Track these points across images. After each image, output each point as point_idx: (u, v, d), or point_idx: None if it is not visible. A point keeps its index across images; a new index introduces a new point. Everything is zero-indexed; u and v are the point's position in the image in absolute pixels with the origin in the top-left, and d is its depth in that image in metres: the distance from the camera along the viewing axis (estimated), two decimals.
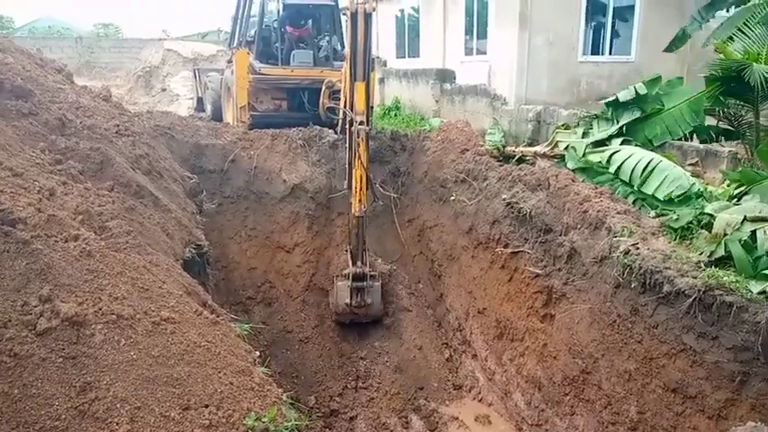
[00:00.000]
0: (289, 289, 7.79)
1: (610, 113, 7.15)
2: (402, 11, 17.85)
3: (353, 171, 6.75)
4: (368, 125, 6.63)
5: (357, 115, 6.53)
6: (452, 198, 7.53)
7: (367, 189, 6.88)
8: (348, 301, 7.19)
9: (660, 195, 5.43)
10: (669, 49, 10.99)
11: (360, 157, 6.57)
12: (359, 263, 7.16)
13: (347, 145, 7.06)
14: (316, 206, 8.11)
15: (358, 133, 6.50)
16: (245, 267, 7.71)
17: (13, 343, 2.24)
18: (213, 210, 7.14)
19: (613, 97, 7.22)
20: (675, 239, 4.68)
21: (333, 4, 10.75)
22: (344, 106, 7.08)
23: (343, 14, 6.50)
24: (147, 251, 3.51)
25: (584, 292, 5.17)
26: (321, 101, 9.16)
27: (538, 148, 8.27)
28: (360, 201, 6.81)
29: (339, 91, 7.91)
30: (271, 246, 7.91)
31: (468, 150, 7.97)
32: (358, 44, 6.38)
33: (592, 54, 13.82)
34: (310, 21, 11.10)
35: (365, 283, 7.17)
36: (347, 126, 6.91)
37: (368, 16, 6.35)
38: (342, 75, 7.42)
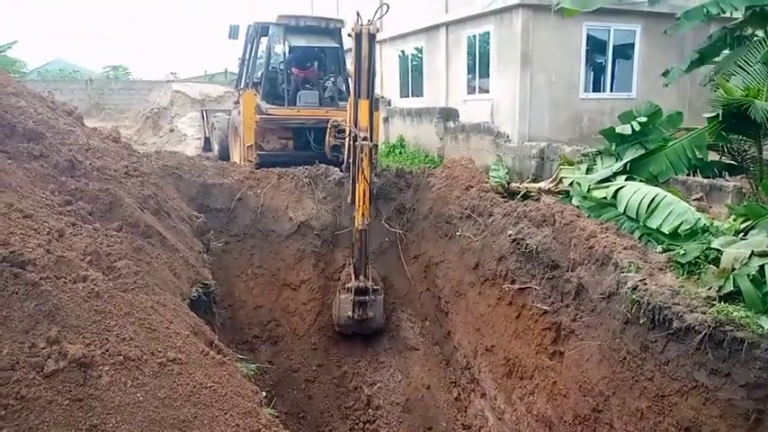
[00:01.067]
0: (295, 327, 7.75)
1: (613, 149, 7.20)
2: (405, 51, 18.21)
3: (357, 185, 6.96)
4: (371, 142, 6.91)
5: (361, 131, 6.81)
6: (458, 234, 7.54)
7: (370, 204, 7.11)
8: (350, 314, 7.30)
9: (666, 230, 5.42)
10: (666, 77, 11.10)
11: (363, 172, 6.80)
12: (361, 277, 7.29)
13: (351, 161, 7.28)
14: (322, 243, 8.14)
15: (361, 148, 6.76)
16: (251, 306, 7.69)
17: (20, 385, 2.23)
18: (220, 248, 7.17)
19: (609, 127, 7.34)
20: (683, 274, 4.65)
21: (338, 45, 11.01)
22: (350, 123, 7.37)
23: (349, 35, 6.81)
24: (155, 291, 3.52)
25: (592, 329, 5.12)
26: (327, 140, 9.29)
27: (542, 184, 8.31)
28: (363, 214, 7.07)
29: (344, 130, 8.10)
30: (277, 283, 7.90)
31: (472, 187, 8.02)
32: (362, 64, 6.70)
33: (593, 91, 14.05)
34: (316, 62, 11.34)
35: (367, 297, 7.28)
36: (352, 142, 7.15)
37: (371, 37, 6.65)
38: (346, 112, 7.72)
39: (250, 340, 7.43)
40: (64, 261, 3.03)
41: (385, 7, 6.51)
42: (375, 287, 7.42)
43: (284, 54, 11.25)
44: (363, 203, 7.00)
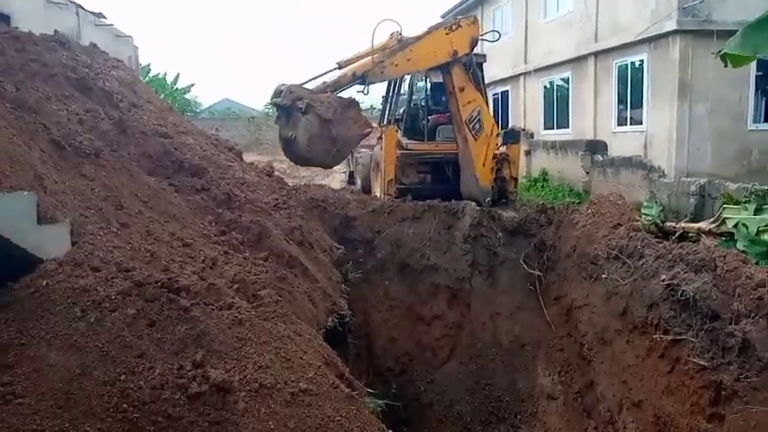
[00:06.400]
0: (428, 362, 7.70)
1: None
2: (552, 82, 17.78)
3: None
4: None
5: None
6: (604, 276, 7.06)
7: None
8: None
9: None
10: None
11: None
12: (294, 85, 7.19)
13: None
14: (455, 280, 8.04)
15: None
16: (385, 337, 7.78)
17: (167, 404, 2.42)
18: (358, 279, 7.36)
19: None
20: None
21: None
22: None
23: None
24: (293, 320, 3.67)
25: (760, 392, 4.49)
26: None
27: (702, 225, 7.58)
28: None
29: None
30: (411, 317, 7.93)
31: (621, 225, 7.48)
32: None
33: (765, 122, 12.62)
34: None
35: (279, 100, 6.91)
36: None
37: None
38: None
39: (383, 372, 7.50)
40: (214, 288, 3.27)
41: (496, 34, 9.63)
42: (300, 106, 6.79)
43: (425, 90, 11.48)
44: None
